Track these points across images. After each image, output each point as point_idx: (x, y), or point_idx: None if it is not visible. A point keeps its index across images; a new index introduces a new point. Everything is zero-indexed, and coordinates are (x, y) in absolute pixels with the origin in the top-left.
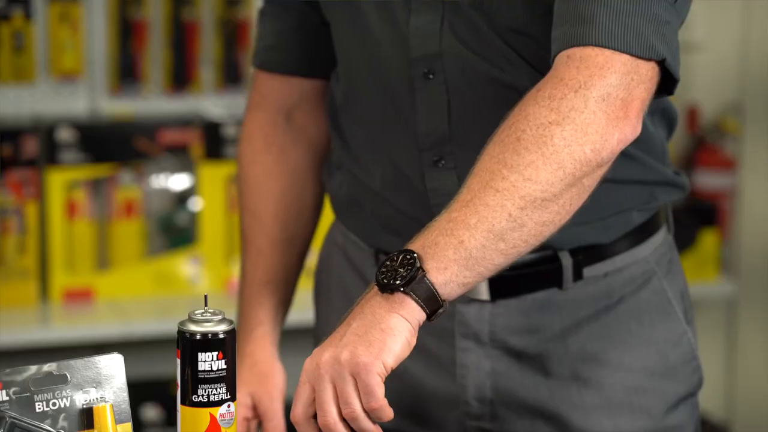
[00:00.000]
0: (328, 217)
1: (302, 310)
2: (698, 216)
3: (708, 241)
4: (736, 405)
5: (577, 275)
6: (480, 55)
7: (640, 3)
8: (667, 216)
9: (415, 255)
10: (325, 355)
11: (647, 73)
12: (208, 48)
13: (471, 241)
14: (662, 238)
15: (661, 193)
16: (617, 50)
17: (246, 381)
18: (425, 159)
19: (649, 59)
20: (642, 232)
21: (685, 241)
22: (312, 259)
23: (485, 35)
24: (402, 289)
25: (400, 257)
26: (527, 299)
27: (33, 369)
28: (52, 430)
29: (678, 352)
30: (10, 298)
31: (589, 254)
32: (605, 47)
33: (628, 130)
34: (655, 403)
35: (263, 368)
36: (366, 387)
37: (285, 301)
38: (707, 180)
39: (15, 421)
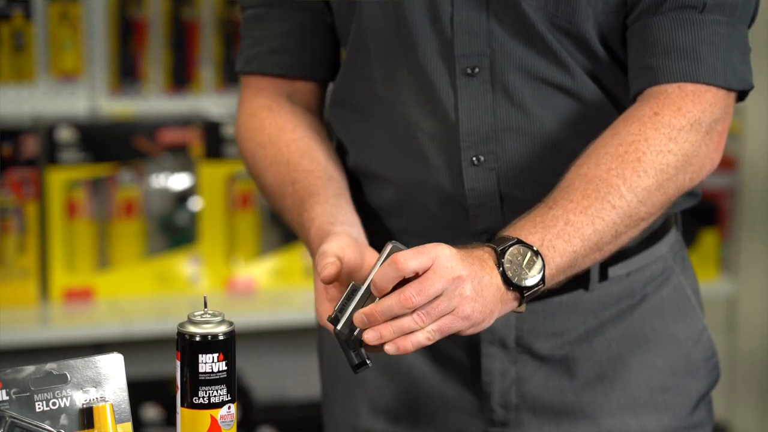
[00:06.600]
0: None
1: (302, 310)
2: (698, 216)
3: (708, 240)
4: (736, 404)
5: (603, 275)
6: (527, 52)
7: (733, 38)
8: (676, 214)
9: (544, 265)
10: (464, 274)
11: (733, 101)
12: (208, 48)
13: (581, 251)
14: (674, 235)
15: (680, 198)
16: (720, 87)
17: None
18: (465, 158)
19: (740, 90)
20: (658, 231)
21: (685, 240)
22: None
23: (534, 32)
24: (525, 294)
25: (527, 256)
26: (553, 302)
27: (33, 369)
28: (52, 430)
29: (699, 349)
30: (10, 297)
31: (612, 254)
32: (711, 85)
33: (717, 158)
34: (680, 401)
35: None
36: (447, 327)
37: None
38: (707, 180)
39: (15, 420)
